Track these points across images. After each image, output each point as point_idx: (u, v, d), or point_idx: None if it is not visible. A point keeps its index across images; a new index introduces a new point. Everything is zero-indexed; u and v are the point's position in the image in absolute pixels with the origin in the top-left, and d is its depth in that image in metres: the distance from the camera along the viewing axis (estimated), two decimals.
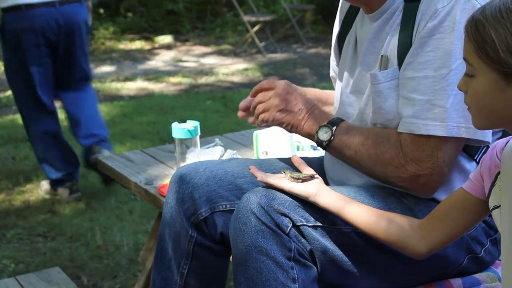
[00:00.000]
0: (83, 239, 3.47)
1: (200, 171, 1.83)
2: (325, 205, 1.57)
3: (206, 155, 2.32)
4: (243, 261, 1.58)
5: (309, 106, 1.75)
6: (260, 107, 1.77)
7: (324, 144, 1.71)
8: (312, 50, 9.44)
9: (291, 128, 1.76)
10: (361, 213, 1.55)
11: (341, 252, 1.61)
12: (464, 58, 1.27)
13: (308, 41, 10.08)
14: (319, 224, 1.59)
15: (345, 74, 1.84)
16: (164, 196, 2.14)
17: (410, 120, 1.58)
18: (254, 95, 1.82)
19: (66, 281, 2.55)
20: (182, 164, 2.18)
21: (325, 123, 1.71)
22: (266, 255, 1.55)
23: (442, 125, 1.54)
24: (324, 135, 1.71)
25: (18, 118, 5.95)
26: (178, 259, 1.86)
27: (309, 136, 1.75)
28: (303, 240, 1.58)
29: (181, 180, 1.84)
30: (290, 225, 1.57)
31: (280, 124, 1.77)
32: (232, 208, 1.81)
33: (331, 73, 2.04)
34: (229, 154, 2.32)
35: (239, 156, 2.29)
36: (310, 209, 1.59)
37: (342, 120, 1.72)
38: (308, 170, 1.66)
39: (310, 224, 1.59)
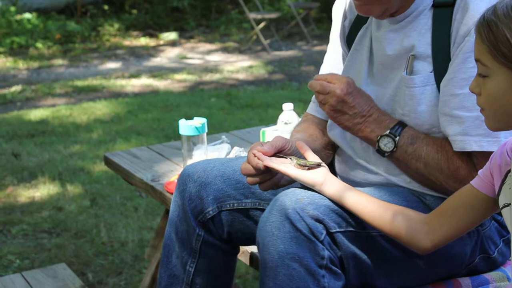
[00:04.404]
0: (88, 236, 3.47)
1: (208, 170, 1.82)
2: (331, 195, 1.56)
3: (213, 152, 2.32)
4: (273, 266, 1.54)
5: (367, 109, 1.69)
6: (319, 97, 1.71)
7: (386, 154, 1.68)
8: (317, 48, 9.43)
9: (345, 128, 1.73)
10: (367, 204, 1.53)
11: (367, 256, 1.59)
12: (476, 59, 1.27)
13: (313, 39, 10.07)
14: (350, 229, 1.57)
15: (356, 77, 1.81)
16: (170, 193, 2.14)
17: (460, 137, 1.58)
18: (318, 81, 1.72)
19: (71, 277, 2.56)
20: (189, 161, 2.18)
21: (387, 133, 1.67)
22: (299, 263, 1.52)
23: (495, 140, 1.54)
24: (386, 145, 1.67)
25: (22, 114, 5.98)
26: (185, 257, 1.85)
27: (368, 141, 1.71)
28: (334, 247, 1.56)
29: (189, 179, 1.83)
30: (325, 232, 1.53)
31: (335, 122, 1.73)
32: (240, 207, 1.81)
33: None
34: (236, 151, 2.31)
35: (246, 153, 2.28)
36: (342, 213, 1.56)
37: (403, 127, 1.67)
38: (313, 157, 1.63)
39: (342, 230, 1.56)
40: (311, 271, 1.52)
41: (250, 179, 1.66)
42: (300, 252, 1.51)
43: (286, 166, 1.59)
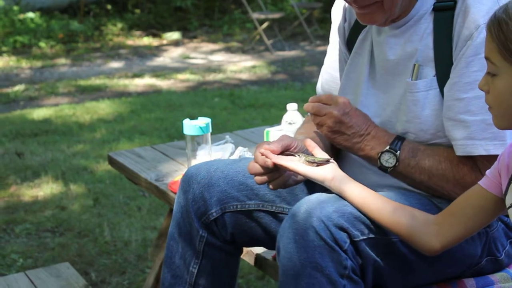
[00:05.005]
0: (91, 235, 3.47)
1: (211, 171, 1.82)
2: (340, 191, 1.55)
3: (217, 152, 2.32)
4: (295, 274, 1.52)
5: (365, 127, 1.68)
6: (315, 120, 1.71)
7: (389, 170, 1.67)
8: (320, 48, 9.43)
9: (345, 148, 1.72)
10: (378, 203, 1.52)
11: (386, 261, 1.58)
12: (486, 58, 1.26)
13: (316, 39, 10.07)
14: (372, 235, 1.55)
15: (357, 81, 1.81)
16: (174, 193, 2.14)
17: (466, 142, 1.57)
18: (313, 102, 1.73)
19: (75, 277, 2.56)
20: (193, 161, 2.18)
21: (387, 148, 1.66)
22: (321, 272, 1.49)
23: (502, 144, 1.53)
24: (388, 161, 1.65)
25: (26, 113, 5.98)
26: (188, 258, 1.85)
27: (369, 159, 1.70)
28: (356, 255, 1.54)
29: (192, 180, 1.82)
30: (348, 242, 1.51)
31: (333, 143, 1.73)
32: (243, 209, 1.81)
33: (325, 83, 1.99)
34: (240, 151, 2.31)
35: (250, 153, 2.28)
36: (365, 219, 1.54)
37: (402, 141, 1.66)
38: (322, 154, 1.62)
39: (365, 237, 1.54)
40: (333, 281, 1.50)
41: (258, 178, 1.64)
42: (323, 261, 1.49)
43: (294, 163, 1.58)
